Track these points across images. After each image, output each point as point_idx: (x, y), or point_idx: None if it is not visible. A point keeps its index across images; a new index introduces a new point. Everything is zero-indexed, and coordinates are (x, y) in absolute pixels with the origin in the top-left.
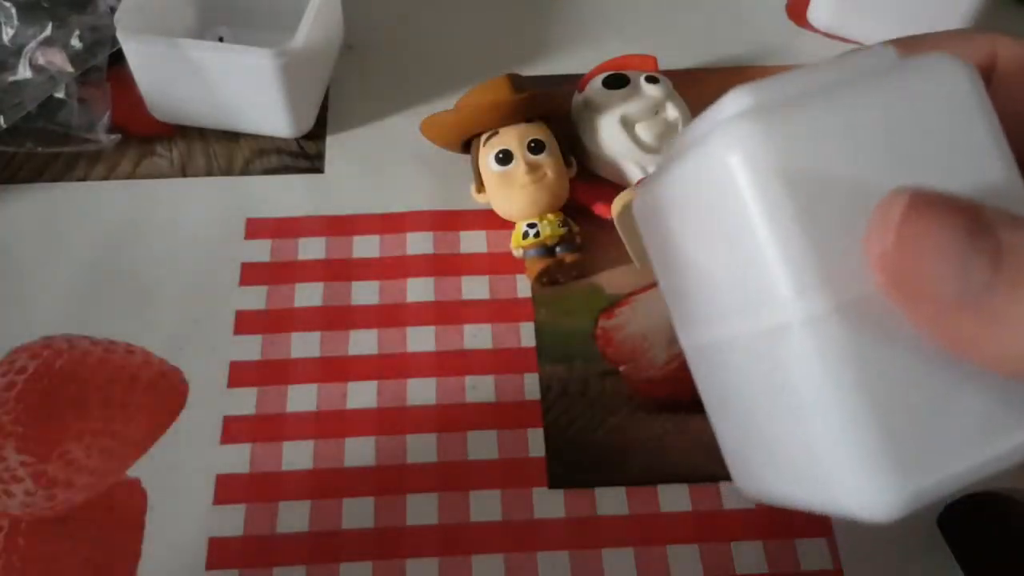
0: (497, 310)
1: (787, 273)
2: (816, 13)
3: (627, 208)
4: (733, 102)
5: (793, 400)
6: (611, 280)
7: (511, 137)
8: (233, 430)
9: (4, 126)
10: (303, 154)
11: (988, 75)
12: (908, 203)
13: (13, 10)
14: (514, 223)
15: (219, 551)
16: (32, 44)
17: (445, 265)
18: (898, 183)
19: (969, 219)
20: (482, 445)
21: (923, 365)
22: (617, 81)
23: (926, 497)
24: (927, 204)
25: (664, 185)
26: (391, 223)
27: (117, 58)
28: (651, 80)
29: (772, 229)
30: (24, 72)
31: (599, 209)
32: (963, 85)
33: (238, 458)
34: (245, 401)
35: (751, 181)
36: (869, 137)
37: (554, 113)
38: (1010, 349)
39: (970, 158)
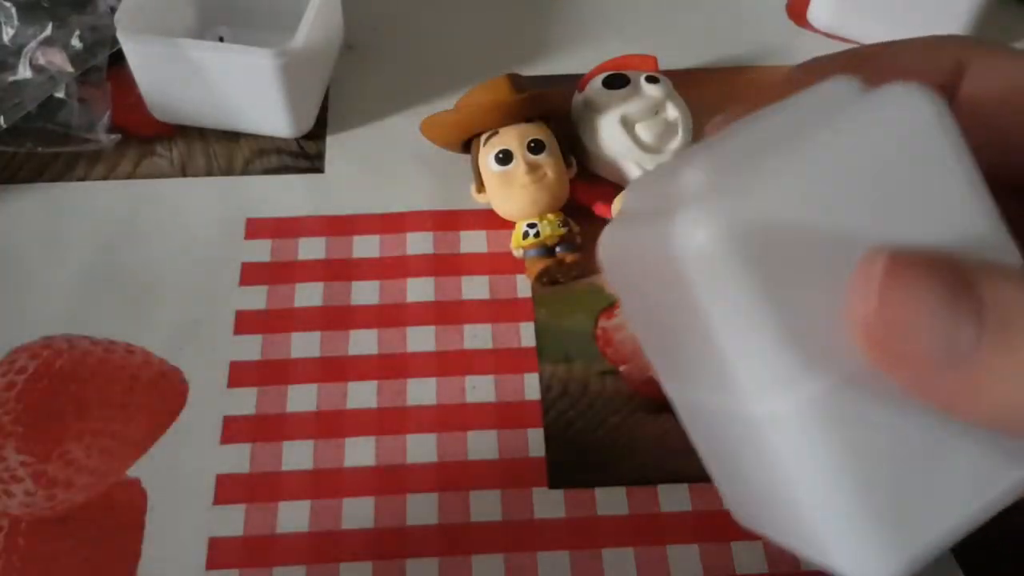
0: (497, 310)
1: (753, 369)
2: (816, 13)
3: None
4: (690, 176)
5: (776, 480)
6: None
7: (511, 137)
8: (233, 430)
9: (4, 126)
10: (303, 154)
11: (956, 85)
12: (886, 267)
13: (13, 10)
14: (514, 223)
15: (219, 551)
16: (32, 44)
17: (445, 265)
18: (870, 241)
19: (950, 278)
20: (482, 445)
21: (905, 433)
22: (617, 81)
23: (922, 559)
24: (906, 266)
25: (627, 243)
26: (391, 223)
27: (117, 58)
28: (651, 80)
29: (735, 324)
30: (24, 72)
31: (599, 209)
32: (929, 121)
33: (238, 458)
34: (245, 401)
35: (712, 273)
36: (834, 195)
37: (554, 113)
38: (999, 403)
39: (942, 199)
